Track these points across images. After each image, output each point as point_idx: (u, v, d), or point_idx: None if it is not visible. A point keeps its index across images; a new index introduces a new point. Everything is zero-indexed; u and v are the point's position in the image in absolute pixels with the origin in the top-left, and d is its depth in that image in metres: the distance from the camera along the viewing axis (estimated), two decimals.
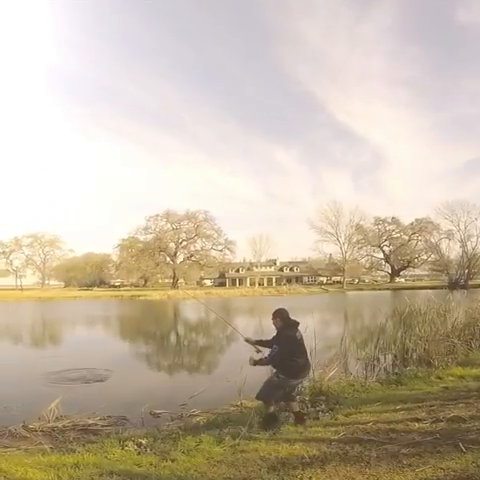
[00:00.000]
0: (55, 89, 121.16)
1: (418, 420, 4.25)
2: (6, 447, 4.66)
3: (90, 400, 6.88)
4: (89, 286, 76.57)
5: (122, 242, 74.13)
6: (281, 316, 4.64)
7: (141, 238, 73.41)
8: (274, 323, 4.68)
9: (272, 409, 4.58)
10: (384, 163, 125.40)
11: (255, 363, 4.54)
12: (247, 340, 4.89)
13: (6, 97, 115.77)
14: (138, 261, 70.13)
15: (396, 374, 7.50)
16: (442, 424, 4.02)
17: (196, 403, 6.50)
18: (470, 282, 58.56)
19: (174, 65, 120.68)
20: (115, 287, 76.44)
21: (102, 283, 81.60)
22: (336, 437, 3.91)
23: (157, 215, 73.03)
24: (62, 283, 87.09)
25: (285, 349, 4.41)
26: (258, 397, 4.70)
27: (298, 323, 4.65)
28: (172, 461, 3.61)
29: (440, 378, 6.72)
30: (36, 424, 5.36)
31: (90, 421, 5.69)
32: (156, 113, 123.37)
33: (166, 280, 75.53)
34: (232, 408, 5.78)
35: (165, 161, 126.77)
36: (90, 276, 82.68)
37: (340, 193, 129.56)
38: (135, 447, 4.17)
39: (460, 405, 4.70)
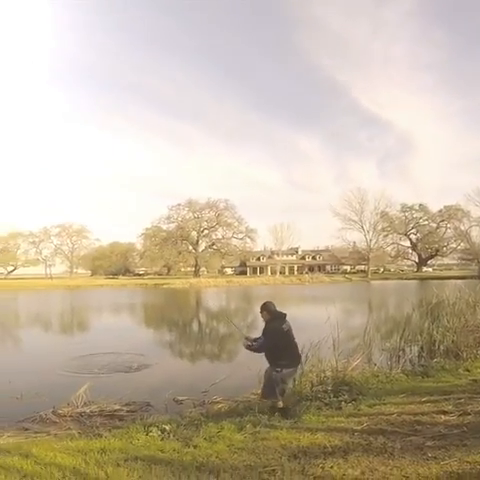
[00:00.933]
0: (79, 81, 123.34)
1: (445, 413, 4.17)
2: (36, 432, 4.87)
3: (116, 386, 7.09)
4: (115, 274, 78.62)
5: (146, 231, 75.68)
6: (268, 309, 4.88)
7: (164, 227, 74.77)
8: (262, 316, 4.93)
9: (281, 404, 4.59)
10: (410, 149, 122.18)
11: (247, 347, 4.88)
12: (246, 338, 5.12)
13: (30, 90, 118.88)
14: (161, 250, 71.59)
15: (422, 366, 7.31)
16: (470, 417, 3.93)
17: (217, 390, 6.57)
18: None
19: (193, 55, 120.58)
20: (139, 275, 78.27)
21: (127, 271, 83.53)
22: (359, 428, 3.87)
23: (179, 204, 74.11)
24: (89, 272, 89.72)
25: (270, 340, 4.64)
26: (263, 397, 4.80)
27: (285, 315, 4.89)
28: (194, 447, 3.67)
29: (468, 371, 6.55)
30: (65, 409, 5.56)
31: (116, 407, 5.86)
32: (177, 104, 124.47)
33: (188, 268, 76.55)
34: (253, 396, 5.77)
35: (187, 151, 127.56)
36: (115, 265, 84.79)
37: (364, 180, 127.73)
38: (159, 433, 4.26)
39: None
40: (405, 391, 5.35)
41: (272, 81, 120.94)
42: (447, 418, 3.97)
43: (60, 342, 13.76)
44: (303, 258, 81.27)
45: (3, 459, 3.43)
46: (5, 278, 70.97)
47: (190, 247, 74.02)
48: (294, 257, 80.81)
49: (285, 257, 77.41)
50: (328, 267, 77.53)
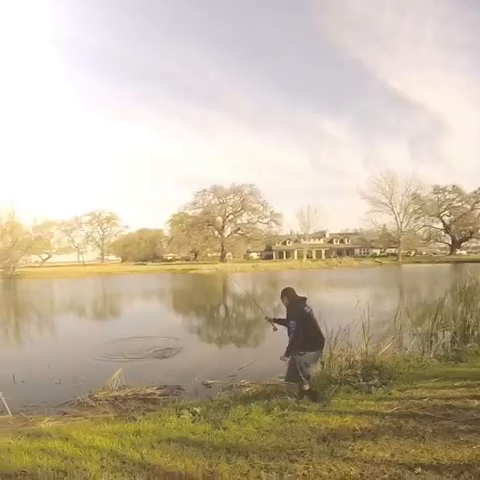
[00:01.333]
0: (100, 69, 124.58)
1: (478, 397, 4.08)
2: (75, 416, 5.13)
3: (148, 370, 7.35)
4: (144, 261, 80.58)
5: (173, 217, 77.18)
6: (288, 295, 4.95)
7: (190, 213, 75.76)
8: (283, 301, 5.00)
9: (307, 386, 4.60)
10: (442, 130, 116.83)
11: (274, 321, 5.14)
12: (266, 318, 5.32)
13: (49, 79, 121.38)
14: (188, 235, 72.76)
15: (455, 351, 7.12)
16: None
17: (245, 375, 6.69)
18: None
19: (214, 39, 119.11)
20: (168, 261, 79.86)
21: (155, 258, 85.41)
22: (389, 411, 3.85)
23: (204, 190, 74.88)
24: (119, 258, 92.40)
25: (301, 324, 4.64)
26: (287, 379, 4.80)
27: (305, 298, 4.94)
28: (224, 429, 3.76)
29: None
30: (101, 394, 5.83)
31: (149, 390, 6.09)
32: (198, 90, 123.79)
33: (214, 254, 77.57)
34: (280, 380, 5.77)
35: (210, 137, 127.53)
36: (144, 251, 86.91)
37: (395, 162, 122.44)
38: (190, 415, 4.41)
39: None
40: (437, 376, 5.25)
41: (297, 64, 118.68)
42: None
43: (94, 327, 14.31)
44: (331, 242, 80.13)
45: (45, 443, 3.63)
46: (40, 266, 74.07)
47: (216, 232, 74.87)
48: (321, 241, 79.82)
49: (312, 241, 76.48)
50: (357, 251, 75.94)
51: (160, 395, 5.97)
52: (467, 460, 2.66)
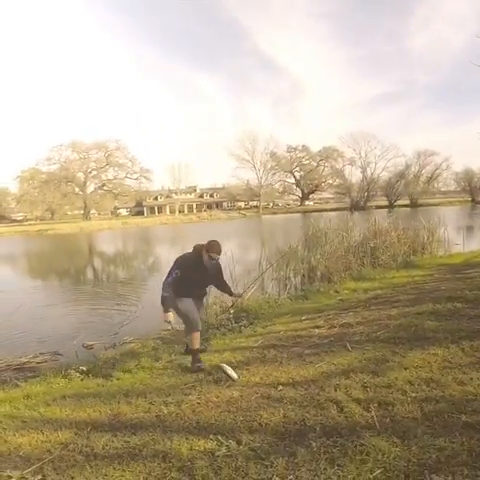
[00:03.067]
0: None
1: (318, 327, 5.10)
2: None
3: (17, 340, 6.86)
4: None
5: (22, 174, 66.53)
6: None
7: (44, 169, 66.97)
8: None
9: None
10: (300, 94, 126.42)
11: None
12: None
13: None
14: (42, 193, 64.48)
15: (303, 290, 8.58)
16: (336, 329, 4.88)
17: (128, 332, 6.78)
18: (368, 204, 66.34)
19: None
20: (18, 222, 69.59)
21: (2, 218, 73.23)
22: (256, 345, 4.67)
23: (61, 145, 67.10)
24: None
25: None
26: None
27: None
28: (117, 379, 4.05)
29: (337, 292, 7.71)
30: None
31: (24, 359, 5.77)
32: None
33: (76, 211, 70.82)
34: (164, 332, 6.17)
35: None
36: None
37: (260, 121, 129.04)
38: (78, 374, 4.44)
39: (350, 313, 5.65)
40: (289, 312, 6.37)
41: (174, 20, 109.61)
42: (320, 331, 4.90)
43: None
44: (201, 196, 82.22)
45: None
46: None
47: (77, 189, 68.18)
48: (192, 196, 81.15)
49: (184, 196, 77.22)
50: (225, 204, 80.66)
51: (38, 363, 5.72)
52: (312, 376, 3.46)
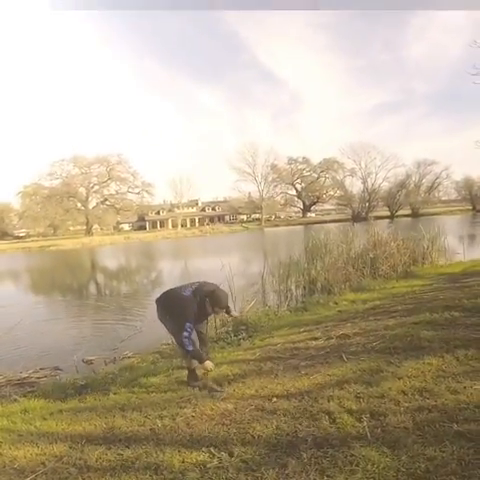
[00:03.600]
0: None
1: (315, 339, 5.10)
2: None
3: (17, 356, 6.92)
4: None
5: (24, 189, 67.01)
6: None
7: (46, 184, 67.63)
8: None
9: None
10: (300, 105, 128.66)
11: None
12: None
13: None
14: (44, 208, 64.93)
15: (303, 302, 8.64)
16: (332, 341, 4.88)
17: (129, 347, 6.86)
18: (370, 214, 66.48)
19: None
20: (20, 238, 70.07)
21: (5, 235, 73.72)
22: (253, 357, 4.68)
23: (63, 160, 67.84)
24: None
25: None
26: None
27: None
28: (114, 394, 4.08)
29: (336, 303, 7.71)
30: None
31: (24, 375, 5.81)
32: None
33: (78, 227, 71.25)
34: (164, 346, 6.23)
35: None
36: None
37: (262, 133, 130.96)
38: (75, 390, 4.48)
39: (348, 325, 5.64)
40: (288, 325, 6.39)
41: (177, 32, 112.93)
42: (317, 343, 4.90)
43: None
44: (203, 210, 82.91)
45: None
46: None
47: (79, 204, 68.69)
48: (194, 209, 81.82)
49: (186, 210, 77.79)
50: (227, 217, 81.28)
51: (38, 378, 5.78)
52: (306, 388, 3.46)
